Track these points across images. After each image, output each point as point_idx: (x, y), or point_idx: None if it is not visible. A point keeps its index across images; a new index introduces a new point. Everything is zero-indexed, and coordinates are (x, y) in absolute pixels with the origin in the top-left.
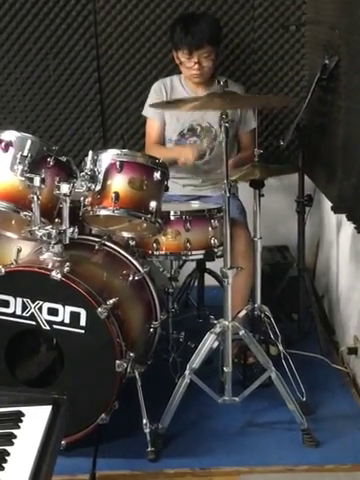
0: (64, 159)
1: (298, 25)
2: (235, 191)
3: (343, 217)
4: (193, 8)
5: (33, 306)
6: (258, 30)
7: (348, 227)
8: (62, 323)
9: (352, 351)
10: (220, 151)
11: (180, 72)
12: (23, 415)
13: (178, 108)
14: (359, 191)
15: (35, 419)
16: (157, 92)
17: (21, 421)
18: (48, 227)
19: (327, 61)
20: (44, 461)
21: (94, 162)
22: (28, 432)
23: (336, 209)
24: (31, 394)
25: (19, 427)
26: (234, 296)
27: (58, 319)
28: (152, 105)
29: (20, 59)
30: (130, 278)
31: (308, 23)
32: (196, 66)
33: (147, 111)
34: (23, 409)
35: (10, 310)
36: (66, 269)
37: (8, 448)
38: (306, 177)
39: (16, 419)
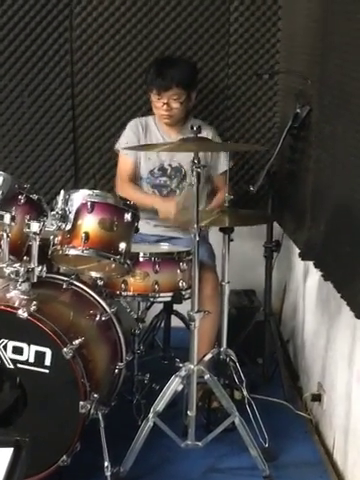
0: (35, 197)
1: (271, 74)
2: (205, 234)
3: (310, 264)
4: (169, 52)
5: None
6: (232, 77)
7: (315, 274)
8: (26, 362)
9: (315, 398)
10: (189, 193)
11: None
12: None
13: (151, 149)
14: (327, 239)
15: None
16: (133, 129)
17: None
18: (16, 265)
19: (299, 110)
20: None
21: (65, 201)
22: None
23: (304, 256)
24: None
25: None
26: (200, 339)
27: (23, 358)
28: (127, 148)
29: None
30: (97, 318)
31: (281, 72)
32: (164, 107)
33: (121, 146)
34: None
35: None
36: (33, 308)
37: None
38: (275, 223)
39: None
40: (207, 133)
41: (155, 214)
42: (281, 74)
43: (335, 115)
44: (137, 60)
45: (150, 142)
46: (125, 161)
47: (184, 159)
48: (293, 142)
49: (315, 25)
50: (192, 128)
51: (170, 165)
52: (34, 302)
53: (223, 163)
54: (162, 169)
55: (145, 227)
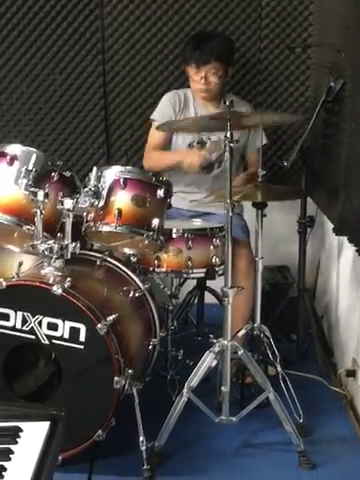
0: (68, 174)
1: (304, 47)
2: (240, 211)
3: (344, 239)
4: (200, 27)
5: (33, 320)
6: (264, 51)
7: (349, 249)
8: (61, 338)
9: (350, 374)
10: (216, 146)
11: (188, 87)
12: (21, 430)
13: (183, 131)
14: None
15: (33, 435)
16: (171, 101)
17: (19, 437)
18: (50, 242)
19: (332, 84)
20: (41, 478)
21: (98, 178)
22: (26, 448)
23: (338, 231)
24: (29, 409)
25: (17, 443)
26: (234, 315)
27: (58, 334)
28: (160, 127)
29: (26, 73)
30: (130, 294)
31: (314, 45)
32: (202, 81)
33: (155, 117)
34: (21, 424)
35: (10, 323)
36: (67, 284)
37: (5, 464)
38: (309, 198)
39: (14, 434)
40: (245, 109)
41: (181, 167)
42: (314, 47)
43: None
44: (168, 36)
45: (187, 115)
46: (157, 133)
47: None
48: (326, 116)
49: None
50: (225, 102)
51: (209, 139)
52: (68, 278)
53: (259, 139)
54: (201, 143)
55: (181, 202)
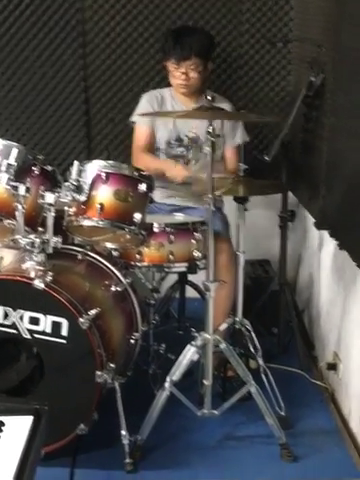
0: (49, 168)
1: (285, 41)
2: (220, 205)
3: (325, 233)
4: (181, 21)
5: (14, 315)
6: (245, 45)
7: (330, 243)
8: (43, 332)
9: (331, 367)
10: (205, 163)
11: (168, 85)
12: (3, 424)
13: (166, 116)
14: (342, 208)
15: (16, 429)
16: (149, 101)
17: (1, 430)
18: (32, 236)
19: (313, 78)
20: (24, 472)
21: (79, 172)
22: (8, 442)
23: (319, 225)
24: (12, 404)
25: None
26: (216, 309)
27: (39, 328)
28: (141, 114)
29: (6, 66)
30: (112, 289)
31: (295, 40)
32: (183, 76)
33: (136, 117)
34: (3, 419)
35: None
36: (49, 278)
37: None
38: (289, 193)
39: None
40: (223, 105)
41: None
42: (295, 42)
43: (349, 83)
44: (149, 30)
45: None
46: (141, 131)
47: (201, 130)
48: (307, 111)
49: None
50: (206, 98)
51: (187, 136)
52: (50, 273)
53: (237, 136)
54: (179, 139)
55: (159, 196)
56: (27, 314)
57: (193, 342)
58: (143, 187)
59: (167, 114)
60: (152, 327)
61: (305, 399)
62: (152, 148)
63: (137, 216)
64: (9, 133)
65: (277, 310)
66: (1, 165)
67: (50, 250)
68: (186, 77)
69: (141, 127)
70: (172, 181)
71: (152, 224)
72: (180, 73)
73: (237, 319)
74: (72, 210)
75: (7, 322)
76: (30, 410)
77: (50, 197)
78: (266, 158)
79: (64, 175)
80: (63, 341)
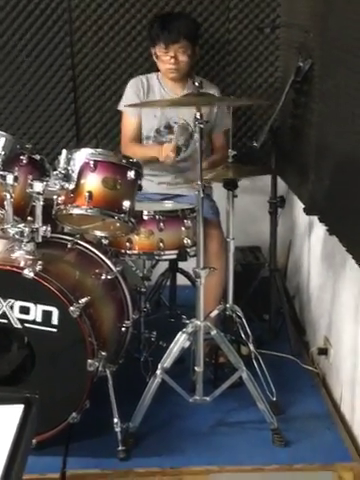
0: (38, 157)
1: (273, 27)
2: (209, 192)
3: (315, 218)
4: (168, 8)
5: (4, 304)
6: (233, 31)
7: (319, 228)
8: (34, 322)
9: (322, 352)
10: (196, 149)
11: (156, 70)
12: None
13: (152, 106)
14: (331, 193)
15: (6, 418)
16: (134, 88)
17: None
18: (21, 225)
19: (301, 64)
20: (15, 461)
21: (68, 161)
22: None
23: (308, 211)
24: (3, 393)
25: None
26: (206, 296)
27: (30, 317)
28: (128, 106)
29: None
30: (102, 277)
31: (282, 26)
32: (172, 60)
33: (122, 106)
34: None
35: None
36: (38, 267)
37: None
38: (279, 178)
39: None
40: (211, 91)
41: (156, 162)
42: (282, 28)
43: (337, 68)
44: (136, 17)
45: (153, 99)
46: (128, 121)
47: (190, 116)
48: (295, 96)
49: None
50: (194, 83)
51: (176, 122)
52: (39, 262)
53: (225, 121)
54: (168, 127)
55: (149, 185)
56: (17, 303)
57: (184, 329)
58: (132, 174)
59: (153, 104)
60: (143, 315)
61: (296, 384)
62: (139, 138)
63: (126, 204)
64: None
65: (268, 296)
66: None
67: (39, 239)
68: (175, 61)
69: (128, 118)
70: (164, 164)
71: (142, 212)
72: (169, 57)
73: (228, 306)
74: (61, 199)
75: None
76: (20, 399)
77: (38, 186)
78: (255, 144)
79: (53, 164)
80: (54, 330)
